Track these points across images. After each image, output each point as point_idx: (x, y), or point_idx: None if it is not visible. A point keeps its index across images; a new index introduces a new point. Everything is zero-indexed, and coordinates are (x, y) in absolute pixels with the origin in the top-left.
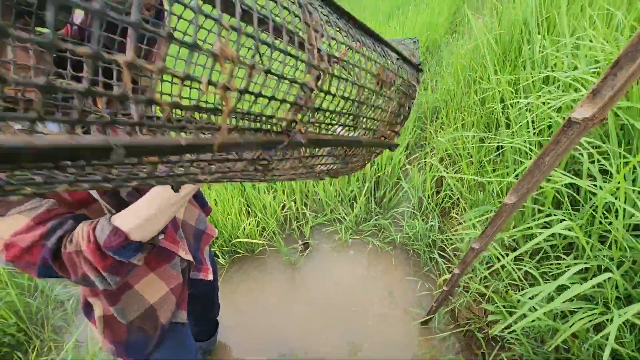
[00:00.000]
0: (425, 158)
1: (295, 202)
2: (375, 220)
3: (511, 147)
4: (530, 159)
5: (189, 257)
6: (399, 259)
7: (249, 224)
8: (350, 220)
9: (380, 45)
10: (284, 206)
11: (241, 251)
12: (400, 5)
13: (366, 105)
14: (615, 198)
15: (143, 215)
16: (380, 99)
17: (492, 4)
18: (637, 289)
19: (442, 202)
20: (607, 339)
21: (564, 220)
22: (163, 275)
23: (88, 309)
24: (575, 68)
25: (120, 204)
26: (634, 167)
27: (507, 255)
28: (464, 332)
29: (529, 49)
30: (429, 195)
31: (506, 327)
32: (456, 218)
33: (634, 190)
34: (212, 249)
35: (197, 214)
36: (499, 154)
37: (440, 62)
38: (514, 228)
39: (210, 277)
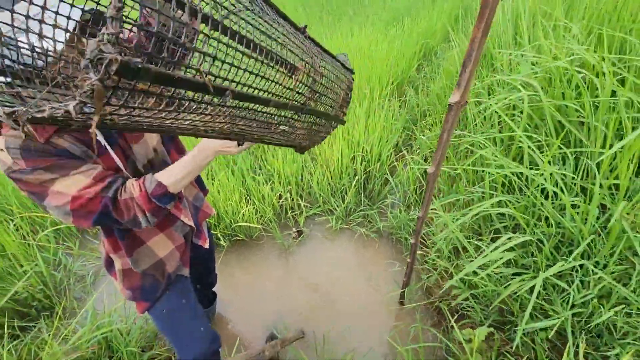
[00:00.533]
0: (411, 155)
1: (290, 194)
2: (364, 211)
3: (472, 142)
4: (483, 149)
5: (191, 223)
6: (384, 245)
7: (248, 211)
8: (340, 211)
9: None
10: (280, 196)
11: (240, 235)
12: (400, 15)
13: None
14: (552, 184)
15: (178, 174)
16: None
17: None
18: (564, 257)
19: (423, 194)
20: (531, 294)
21: (509, 202)
22: (170, 236)
23: (109, 264)
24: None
25: (136, 173)
26: (565, 157)
27: (469, 238)
28: (434, 306)
29: (499, 54)
30: (413, 189)
31: (466, 299)
32: (434, 209)
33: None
34: (214, 232)
35: (195, 193)
36: (466, 149)
37: (436, 69)
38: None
39: (207, 245)
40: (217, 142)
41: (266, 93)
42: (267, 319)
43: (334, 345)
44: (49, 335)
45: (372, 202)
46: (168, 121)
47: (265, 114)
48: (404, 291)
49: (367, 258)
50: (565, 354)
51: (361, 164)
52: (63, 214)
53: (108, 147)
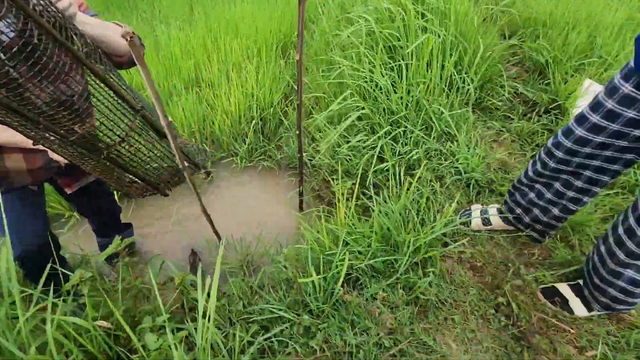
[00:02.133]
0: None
1: (195, 140)
2: (264, 148)
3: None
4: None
5: (59, 159)
6: (283, 172)
7: None
8: (243, 152)
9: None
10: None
11: None
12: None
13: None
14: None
15: None
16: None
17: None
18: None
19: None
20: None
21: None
22: (28, 159)
23: None
24: None
25: None
26: (393, 67)
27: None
28: (324, 203)
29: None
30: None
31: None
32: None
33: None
34: None
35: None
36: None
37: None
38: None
39: (69, 191)
40: None
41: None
42: (189, 242)
43: (250, 246)
44: None
45: (270, 141)
46: None
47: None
48: (301, 200)
49: (271, 183)
50: (391, 179)
51: (257, 111)
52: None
53: None
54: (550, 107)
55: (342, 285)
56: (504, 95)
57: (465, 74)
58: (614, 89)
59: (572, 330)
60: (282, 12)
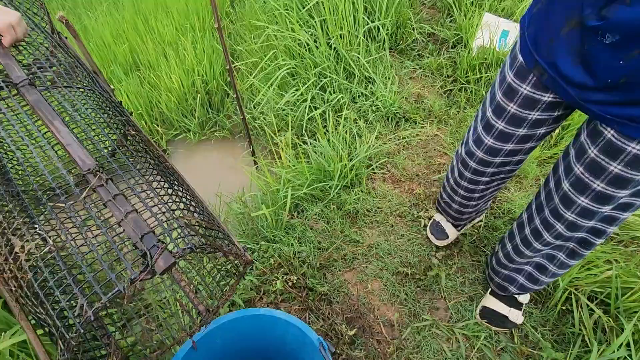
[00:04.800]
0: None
1: (145, 122)
2: (214, 120)
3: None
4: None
5: None
6: (235, 139)
7: None
8: (195, 126)
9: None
10: None
11: None
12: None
13: None
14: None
15: None
16: None
17: None
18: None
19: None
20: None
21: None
22: None
23: None
24: None
25: None
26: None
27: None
28: (275, 157)
29: None
30: (247, 92)
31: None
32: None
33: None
34: None
35: None
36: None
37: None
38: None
39: None
40: None
41: None
42: None
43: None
44: None
45: (218, 112)
46: None
47: None
48: (254, 158)
49: (226, 151)
50: (320, 124)
51: (201, 86)
52: None
53: None
54: (457, 41)
55: (289, 213)
56: (415, 37)
57: (378, 20)
58: (509, 89)
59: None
60: None
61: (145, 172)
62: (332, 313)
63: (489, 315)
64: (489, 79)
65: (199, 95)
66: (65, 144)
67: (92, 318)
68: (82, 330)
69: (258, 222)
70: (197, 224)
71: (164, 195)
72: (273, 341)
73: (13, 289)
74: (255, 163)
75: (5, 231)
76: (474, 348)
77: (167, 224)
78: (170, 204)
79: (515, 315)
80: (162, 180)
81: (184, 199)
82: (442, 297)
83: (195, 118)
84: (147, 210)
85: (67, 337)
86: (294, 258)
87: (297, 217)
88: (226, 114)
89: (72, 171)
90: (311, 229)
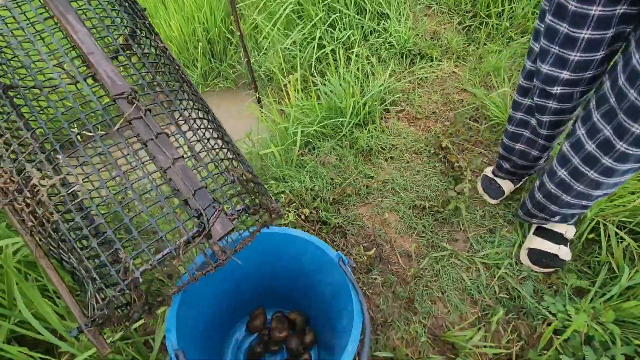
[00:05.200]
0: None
1: None
2: (217, 70)
3: None
4: None
5: None
6: (240, 89)
7: None
8: (197, 76)
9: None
10: None
11: None
12: None
13: None
14: None
15: None
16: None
17: None
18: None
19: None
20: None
21: None
22: None
23: None
24: None
25: None
26: None
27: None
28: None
29: None
30: (251, 39)
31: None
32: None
33: None
34: None
35: None
36: None
37: None
38: None
39: None
40: None
41: None
42: None
43: None
44: None
45: (221, 62)
46: None
47: None
48: (260, 103)
49: (230, 101)
50: (331, 61)
51: (202, 34)
52: None
53: None
54: None
55: (299, 149)
56: None
57: None
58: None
59: (484, 151)
60: None
61: (186, 105)
62: (347, 244)
63: (538, 256)
64: (513, 12)
65: (200, 44)
66: (86, 52)
67: (140, 280)
68: (127, 291)
69: (267, 160)
70: (246, 178)
71: (209, 138)
72: (289, 263)
73: (30, 223)
74: (261, 106)
75: (18, 156)
76: (494, 277)
77: (221, 177)
78: (217, 151)
79: (565, 253)
80: (204, 117)
81: (228, 144)
82: (461, 229)
83: (198, 68)
84: (194, 157)
85: (109, 295)
86: (305, 193)
87: (308, 154)
88: (229, 63)
89: (95, 93)
90: (323, 165)
